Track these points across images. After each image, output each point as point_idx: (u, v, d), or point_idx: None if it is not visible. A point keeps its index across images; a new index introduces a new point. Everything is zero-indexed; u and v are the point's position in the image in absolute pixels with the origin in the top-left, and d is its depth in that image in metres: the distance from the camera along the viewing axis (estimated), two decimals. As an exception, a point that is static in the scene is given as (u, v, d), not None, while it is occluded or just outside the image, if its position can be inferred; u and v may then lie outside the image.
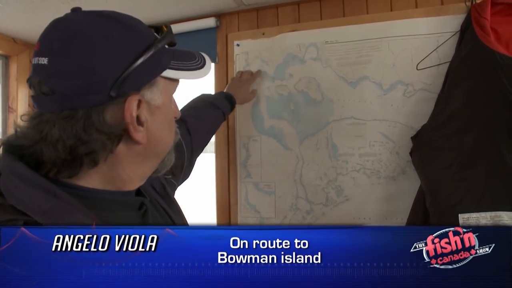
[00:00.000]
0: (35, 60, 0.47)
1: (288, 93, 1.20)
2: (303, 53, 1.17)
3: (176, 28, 1.27)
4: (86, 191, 0.50)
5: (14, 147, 0.49)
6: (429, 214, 0.97)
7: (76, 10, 0.50)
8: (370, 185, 1.11)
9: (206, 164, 1.55)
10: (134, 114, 0.49)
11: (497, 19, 0.95)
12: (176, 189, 0.82)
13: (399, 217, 1.07)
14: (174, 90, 0.58)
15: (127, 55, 0.48)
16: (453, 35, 1.02)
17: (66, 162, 0.47)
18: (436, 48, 1.03)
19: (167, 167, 0.61)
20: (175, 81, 0.57)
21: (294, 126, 1.19)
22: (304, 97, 1.18)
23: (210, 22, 1.24)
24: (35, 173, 0.47)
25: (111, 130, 0.48)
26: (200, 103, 1.04)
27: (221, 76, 1.28)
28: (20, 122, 0.49)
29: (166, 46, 0.54)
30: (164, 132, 0.56)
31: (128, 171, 0.53)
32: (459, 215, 0.88)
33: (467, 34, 0.97)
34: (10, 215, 0.44)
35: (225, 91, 1.14)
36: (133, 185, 0.56)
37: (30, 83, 0.48)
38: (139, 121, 0.50)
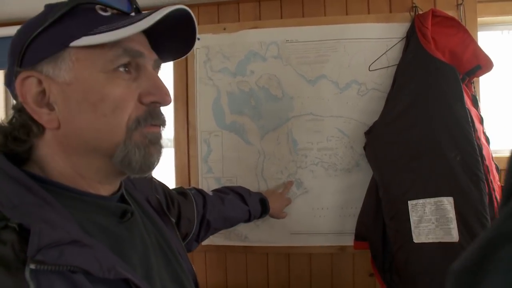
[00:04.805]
0: None
1: (249, 89, 1.21)
2: (264, 51, 1.20)
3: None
4: (62, 188, 0.47)
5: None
6: (381, 202, 1.08)
7: None
8: (327, 177, 1.19)
9: (164, 159, 1.50)
10: (27, 94, 0.45)
11: (436, 29, 1.08)
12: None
13: (354, 206, 1.17)
14: (114, 60, 0.46)
15: (32, 28, 0.46)
16: (400, 41, 1.13)
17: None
18: (386, 51, 1.14)
19: (133, 167, 0.48)
20: (108, 47, 0.45)
21: (255, 121, 1.22)
22: (265, 93, 1.21)
23: (170, 13, 1.19)
24: (13, 166, 0.44)
25: (22, 109, 0.47)
26: (230, 191, 0.99)
27: (181, 70, 1.24)
28: None
29: (100, 12, 0.47)
30: (86, 114, 0.45)
31: (62, 163, 0.48)
32: (408, 201, 1.00)
33: (412, 40, 1.09)
34: None
35: (264, 196, 1.06)
36: (87, 185, 0.50)
37: None
38: (48, 103, 0.46)
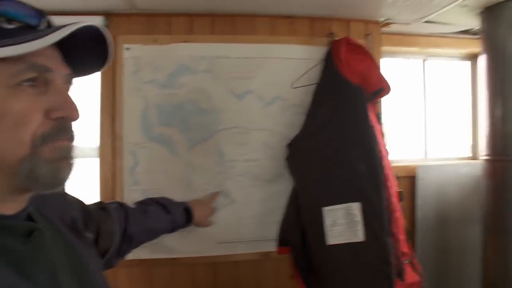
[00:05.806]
0: None
1: (178, 101, 1.23)
2: (195, 65, 1.24)
3: (57, 22, 1.14)
4: None
5: None
6: (300, 209, 1.17)
7: None
8: (252, 187, 1.26)
9: (89, 170, 1.42)
10: None
11: (349, 55, 1.22)
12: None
13: (277, 214, 1.24)
14: (17, 74, 0.44)
15: None
16: (318, 63, 1.26)
17: None
18: (307, 71, 1.26)
19: (41, 183, 0.47)
20: (12, 62, 0.44)
21: (184, 133, 1.24)
22: (194, 106, 1.24)
23: (97, 20, 1.16)
24: None
25: None
26: (153, 202, 0.97)
27: (108, 80, 1.21)
28: None
29: (5, 24, 0.45)
30: None
31: None
32: (323, 208, 1.10)
33: (329, 63, 1.22)
34: None
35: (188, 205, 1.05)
36: None
37: None
38: None
